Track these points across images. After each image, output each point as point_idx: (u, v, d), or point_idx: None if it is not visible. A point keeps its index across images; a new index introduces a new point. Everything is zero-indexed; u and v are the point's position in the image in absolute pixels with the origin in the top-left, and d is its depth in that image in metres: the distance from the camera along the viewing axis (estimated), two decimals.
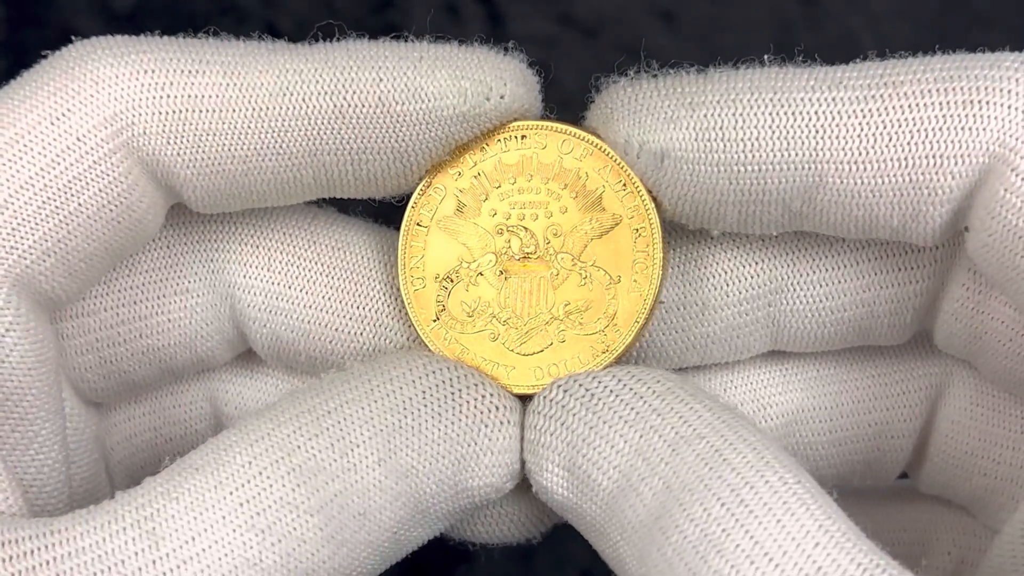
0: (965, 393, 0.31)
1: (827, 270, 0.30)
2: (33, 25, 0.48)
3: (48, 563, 0.23)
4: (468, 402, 0.27)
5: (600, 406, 0.26)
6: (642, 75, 0.28)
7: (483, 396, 0.27)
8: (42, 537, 0.24)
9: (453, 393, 0.27)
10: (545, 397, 0.28)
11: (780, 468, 0.24)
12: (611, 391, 0.27)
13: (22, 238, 0.27)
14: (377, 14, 0.51)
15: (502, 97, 0.28)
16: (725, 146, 0.27)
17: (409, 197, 0.30)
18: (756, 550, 0.22)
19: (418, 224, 0.30)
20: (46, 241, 0.27)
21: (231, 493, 0.24)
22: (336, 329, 0.30)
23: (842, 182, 0.26)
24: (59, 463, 0.28)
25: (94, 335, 0.30)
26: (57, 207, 0.27)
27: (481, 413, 0.27)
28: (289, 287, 0.30)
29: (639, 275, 0.29)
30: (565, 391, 0.27)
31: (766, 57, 0.28)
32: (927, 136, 0.26)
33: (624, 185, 0.29)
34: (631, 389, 0.26)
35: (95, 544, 0.24)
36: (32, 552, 0.24)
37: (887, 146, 0.26)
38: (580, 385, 0.27)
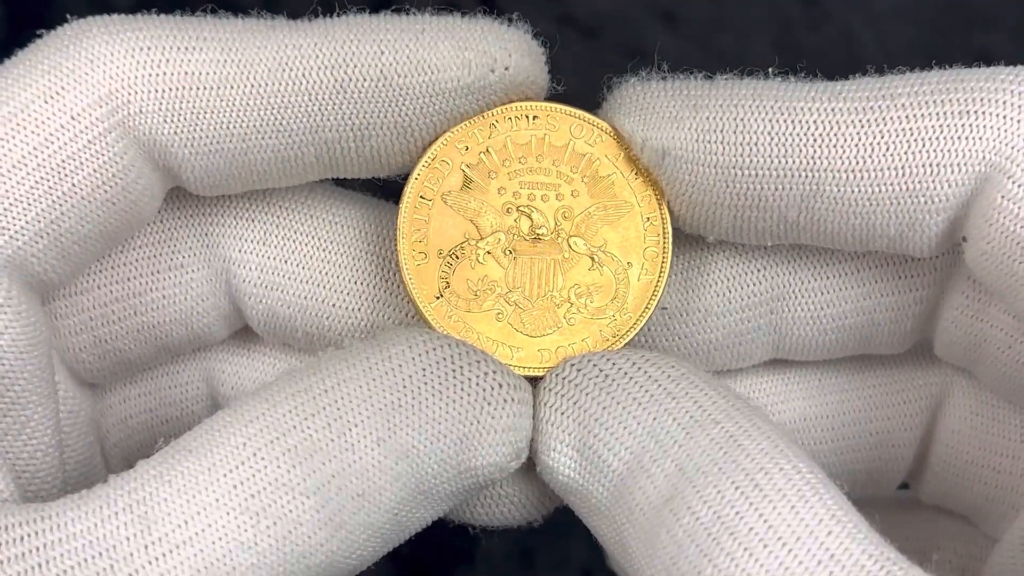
0: (965, 403, 0.31)
1: (828, 278, 0.30)
2: (33, 25, 0.48)
3: (39, 549, 0.23)
4: (471, 380, 0.26)
5: (614, 387, 0.26)
6: (653, 75, 0.29)
7: (486, 373, 0.27)
8: (34, 523, 0.23)
9: (455, 370, 0.26)
10: (558, 375, 0.27)
11: (794, 457, 0.24)
12: (625, 373, 0.26)
13: (14, 219, 0.26)
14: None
15: (507, 69, 0.27)
16: (724, 148, 0.27)
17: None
18: (770, 534, 0.22)
19: (422, 197, 0.29)
20: (39, 222, 0.26)
21: (224, 475, 0.24)
22: (333, 305, 0.30)
23: (839, 190, 0.27)
24: (52, 447, 0.28)
25: (88, 314, 0.30)
26: (50, 187, 0.26)
27: (484, 391, 0.26)
28: (285, 262, 0.30)
29: (649, 262, 0.29)
30: (579, 370, 0.27)
31: (770, 67, 0.28)
32: (924, 146, 0.26)
33: (635, 173, 0.29)
34: (646, 372, 0.26)
35: (87, 529, 0.23)
36: (23, 538, 0.23)
37: (884, 155, 0.26)
38: (594, 365, 0.27)
